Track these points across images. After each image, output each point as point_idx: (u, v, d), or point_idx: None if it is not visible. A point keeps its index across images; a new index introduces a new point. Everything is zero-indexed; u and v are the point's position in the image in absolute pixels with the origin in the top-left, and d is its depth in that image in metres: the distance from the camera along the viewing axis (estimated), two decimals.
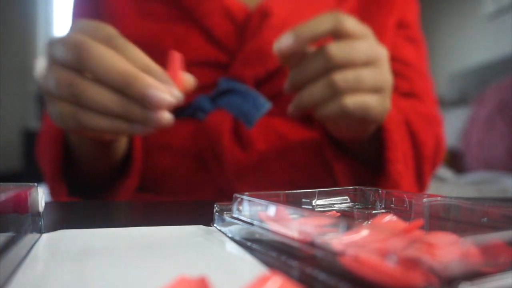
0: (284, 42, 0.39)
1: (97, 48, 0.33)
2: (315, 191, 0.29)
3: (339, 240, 0.17)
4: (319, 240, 0.18)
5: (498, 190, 1.54)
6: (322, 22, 0.39)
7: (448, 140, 2.08)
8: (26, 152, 2.98)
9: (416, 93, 0.60)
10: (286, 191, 0.28)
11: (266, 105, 0.52)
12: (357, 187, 0.31)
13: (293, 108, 0.42)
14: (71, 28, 0.37)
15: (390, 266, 0.14)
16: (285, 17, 0.53)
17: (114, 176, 0.50)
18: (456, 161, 2.09)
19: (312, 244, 0.18)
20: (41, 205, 0.25)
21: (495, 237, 0.16)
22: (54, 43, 0.35)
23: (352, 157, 0.52)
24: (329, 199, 0.29)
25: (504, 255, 0.16)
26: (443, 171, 1.82)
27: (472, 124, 2.06)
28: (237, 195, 0.25)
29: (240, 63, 0.52)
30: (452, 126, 2.14)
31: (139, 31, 0.54)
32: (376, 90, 0.40)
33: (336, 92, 0.38)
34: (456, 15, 2.84)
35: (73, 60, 0.33)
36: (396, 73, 0.60)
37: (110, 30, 0.35)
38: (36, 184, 0.25)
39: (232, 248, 0.23)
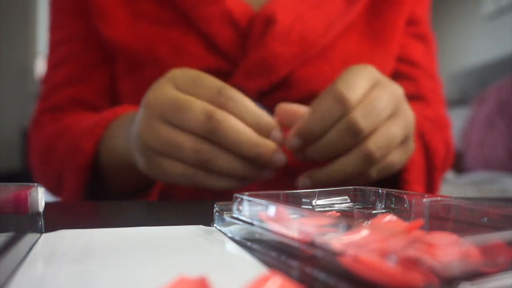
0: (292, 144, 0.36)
1: (228, 121, 0.34)
2: (315, 191, 0.29)
3: (339, 240, 0.17)
4: (319, 240, 0.18)
5: (498, 190, 1.54)
6: (330, 113, 0.35)
7: None
8: (25, 152, 2.98)
9: (423, 96, 0.58)
10: (286, 191, 0.28)
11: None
12: (357, 187, 0.31)
13: (316, 181, 0.37)
14: (170, 78, 0.36)
15: (390, 266, 0.14)
16: (290, 23, 0.50)
17: (135, 188, 0.51)
18: (456, 161, 2.09)
19: (312, 244, 0.18)
20: (41, 205, 0.25)
21: (495, 237, 0.16)
22: (165, 102, 0.34)
23: None
24: (329, 199, 0.29)
25: (504, 255, 0.16)
26: None
27: (472, 124, 2.06)
28: (237, 195, 0.25)
29: (243, 74, 0.49)
30: (452, 126, 2.14)
31: (131, 33, 0.52)
32: (403, 141, 0.38)
33: (372, 163, 0.36)
34: (456, 15, 2.84)
35: (203, 130, 0.34)
36: (402, 75, 0.58)
37: (216, 82, 0.36)
38: (36, 184, 0.25)
39: (232, 248, 0.23)
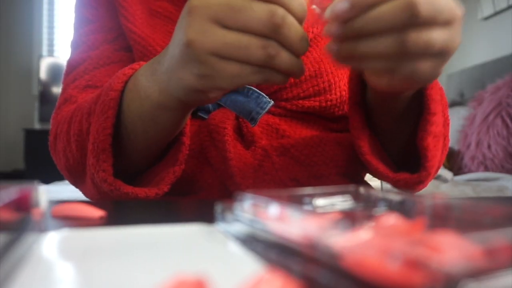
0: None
1: (289, 17, 0.34)
2: (317, 191, 0.29)
3: (341, 240, 0.17)
4: (320, 240, 0.18)
5: (497, 190, 1.54)
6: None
7: None
8: (28, 151, 2.98)
9: None
10: (288, 191, 0.28)
11: (270, 103, 0.52)
12: (358, 187, 0.31)
13: (340, 54, 0.36)
14: None
15: (392, 266, 0.14)
16: None
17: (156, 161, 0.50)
18: (455, 161, 2.09)
19: (313, 244, 0.18)
20: (43, 205, 0.25)
21: (497, 237, 0.16)
22: (218, 5, 0.34)
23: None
24: (330, 199, 0.29)
25: (506, 254, 0.16)
26: (442, 171, 1.82)
27: (471, 125, 2.06)
28: (239, 194, 0.25)
29: None
30: (451, 127, 2.14)
31: (148, 29, 0.54)
32: (440, 54, 0.36)
33: (414, 16, 0.32)
34: None
35: (267, 28, 0.34)
36: None
37: None
38: (37, 183, 0.24)
39: (234, 247, 0.23)
